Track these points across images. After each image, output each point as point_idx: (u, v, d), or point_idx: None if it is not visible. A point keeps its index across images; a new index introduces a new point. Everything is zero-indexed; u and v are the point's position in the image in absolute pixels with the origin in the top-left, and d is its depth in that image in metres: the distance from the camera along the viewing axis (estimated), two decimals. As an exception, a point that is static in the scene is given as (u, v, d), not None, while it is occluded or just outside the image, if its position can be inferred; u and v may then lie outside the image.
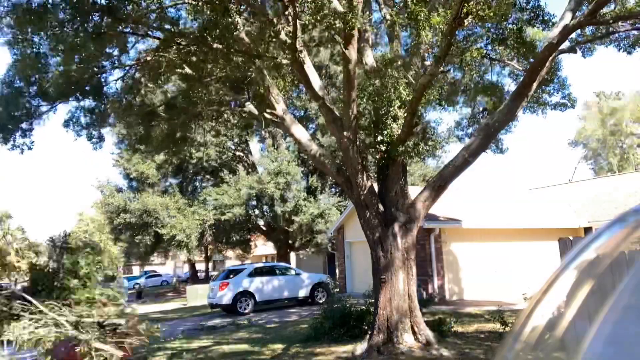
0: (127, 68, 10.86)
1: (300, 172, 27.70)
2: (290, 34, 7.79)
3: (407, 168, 10.35)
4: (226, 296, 17.34)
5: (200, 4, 8.08)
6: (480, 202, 19.85)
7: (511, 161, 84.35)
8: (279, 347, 10.13)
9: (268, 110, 10.04)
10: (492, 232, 17.20)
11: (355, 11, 7.05)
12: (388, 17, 10.48)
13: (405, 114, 8.55)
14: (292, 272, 19.35)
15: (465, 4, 6.71)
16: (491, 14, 6.75)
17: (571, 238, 9.18)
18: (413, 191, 10.59)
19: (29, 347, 5.74)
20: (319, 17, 6.84)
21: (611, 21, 9.33)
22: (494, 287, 15.72)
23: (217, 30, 8.64)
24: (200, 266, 46.93)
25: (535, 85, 9.29)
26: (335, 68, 26.21)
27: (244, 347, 10.71)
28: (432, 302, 15.65)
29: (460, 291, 16.93)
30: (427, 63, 9.53)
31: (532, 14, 10.01)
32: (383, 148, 9.12)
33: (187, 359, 9.49)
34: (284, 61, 9.64)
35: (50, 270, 7.14)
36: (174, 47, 9.29)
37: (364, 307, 10.75)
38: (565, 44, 10.02)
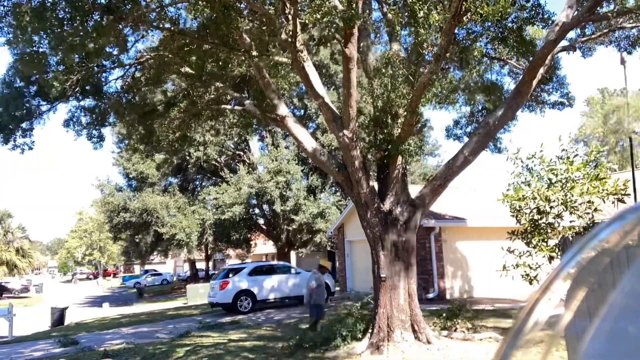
0: (127, 67, 10.87)
1: (300, 170, 27.72)
2: (291, 33, 7.79)
3: (407, 167, 10.35)
4: (226, 295, 17.35)
5: (200, 2, 8.08)
6: (479, 200, 19.84)
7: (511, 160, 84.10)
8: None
9: (268, 109, 10.04)
10: (493, 231, 17.20)
11: (355, 9, 7.05)
12: (388, 15, 10.48)
13: (405, 113, 8.55)
14: (292, 271, 19.36)
15: (464, 2, 6.71)
16: (490, 12, 6.75)
17: (572, 235, 9.20)
18: (413, 190, 10.60)
19: None
20: (318, 16, 6.83)
21: (609, 16, 9.35)
22: (494, 285, 15.73)
23: (217, 29, 8.64)
24: (201, 265, 47.00)
25: (534, 83, 9.30)
26: (335, 67, 26.21)
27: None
28: (432, 301, 15.67)
29: (460, 290, 16.94)
30: (427, 61, 9.53)
31: (532, 13, 10.01)
32: (383, 147, 9.12)
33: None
34: (284, 60, 9.64)
35: None
36: (174, 46, 9.29)
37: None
38: (565, 43, 10.02)
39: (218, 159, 31.67)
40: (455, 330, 9.56)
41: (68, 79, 9.17)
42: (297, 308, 17.50)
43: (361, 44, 9.57)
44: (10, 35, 8.26)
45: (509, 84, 12.74)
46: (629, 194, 9.72)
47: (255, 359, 9.29)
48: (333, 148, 23.65)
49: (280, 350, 9.63)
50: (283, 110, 9.80)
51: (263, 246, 40.36)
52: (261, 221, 32.24)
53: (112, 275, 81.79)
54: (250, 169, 30.26)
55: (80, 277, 76.99)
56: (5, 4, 7.97)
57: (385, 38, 12.66)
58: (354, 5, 7.06)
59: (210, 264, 45.57)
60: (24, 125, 10.21)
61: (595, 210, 9.88)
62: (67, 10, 7.57)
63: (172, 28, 9.09)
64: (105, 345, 12.29)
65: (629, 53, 10.82)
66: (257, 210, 31.21)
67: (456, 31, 8.01)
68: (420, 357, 8.08)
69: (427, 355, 8.19)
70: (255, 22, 9.45)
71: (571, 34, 10.76)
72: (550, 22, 9.87)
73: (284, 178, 26.93)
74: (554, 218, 10.15)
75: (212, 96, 11.04)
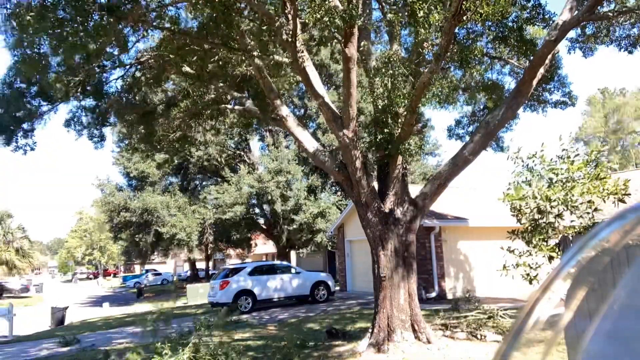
0: (127, 67, 10.87)
1: (300, 170, 27.71)
2: (291, 33, 7.79)
3: (407, 167, 10.36)
4: (227, 295, 17.36)
5: (200, 2, 8.07)
6: (480, 200, 19.85)
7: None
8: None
9: (268, 109, 10.04)
10: (493, 230, 17.20)
11: (354, 9, 7.05)
12: (388, 15, 10.48)
13: (405, 113, 8.55)
14: (293, 270, 19.36)
15: (464, 1, 6.71)
16: (490, 11, 6.75)
17: (572, 235, 9.20)
18: (413, 190, 10.60)
19: None
20: (318, 15, 6.83)
21: (610, 15, 9.35)
22: (495, 285, 15.74)
23: (217, 29, 8.64)
24: (201, 265, 47.00)
25: (535, 82, 9.30)
26: (335, 67, 26.22)
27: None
28: (432, 301, 15.68)
29: (460, 289, 16.94)
30: (427, 61, 9.54)
31: (533, 12, 10.02)
32: (383, 146, 9.12)
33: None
34: (284, 60, 9.64)
35: None
36: (174, 46, 9.29)
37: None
38: (566, 42, 10.01)
39: (219, 159, 31.68)
40: (455, 329, 9.56)
41: (69, 80, 9.18)
42: (301, 307, 17.51)
43: (361, 44, 9.57)
44: (13, 38, 8.27)
45: (510, 84, 12.74)
46: (630, 194, 9.71)
47: (261, 358, 9.31)
48: (333, 148, 23.65)
49: (284, 349, 9.65)
50: (283, 110, 9.80)
51: (263, 246, 40.36)
52: (261, 221, 32.24)
53: (112, 275, 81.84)
54: (250, 169, 30.27)
55: (80, 277, 77.01)
56: (8, 6, 7.98)
57: (385, 38, 12.66)
58: (354, 5, 7.06)
59: (211, 263, 45.58)
60: (25, 126, 10.22)
61: (596, 210, 9.88)
62: (67, 10, 7.58)
63: (172, 28, 9.09)
64: (110, 344, 12.35)
65: (630, 52, 10.81)
66: (257, 210, 31.21)
67: (456, 31, 8.01)
68: (421, 357, 8.08)
69: (427, 354, 8.19)
70: (255, 22, 9.45)
71: (571, 34, 10.77)
72: (550, 22, 9.87)
73: (284, 178, 26.93)
74: (555, 218, 10.15)
75: (213, 96, 11.04)
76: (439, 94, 8.13)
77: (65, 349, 12.27)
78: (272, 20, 8.11)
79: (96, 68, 9.99)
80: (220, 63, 10.30)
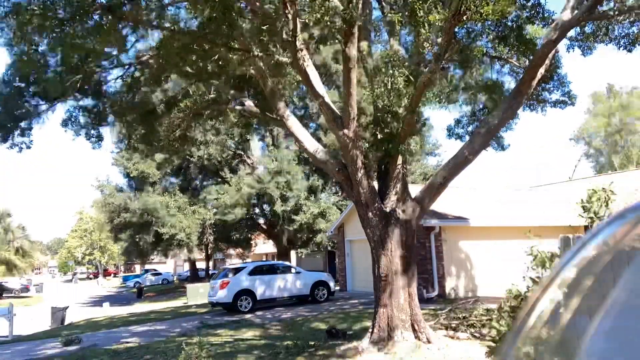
0: (126, 67, 10.86)
1: (300, 171, 27.70)
2: (291, 33, 7.78)
3: (408, 166, 10.36)
4: (227, 294, 17.36)
5: (200, 2, 8.07)
6: (480, 200, 19.85)
7: (512, 158, 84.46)
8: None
9: (269, 109, 10.04)
10: (493, 230, 17.21)
11: (354, 9, 7.05)
12: (388, 15, 10.47)
13: (406, 112, 8.55)
14: (293, 270, 19.36)
15: (464, 1, 6.70)
16: (490, 11, 6.74)
17: (572, 235, 9.17)
18: (413, 190, 10.60)
19: None
20: (318, 15, 6.82)
21: (610, 14, 9.35)
22: (496, 284, 15.73)
23: (217, 29, 8.63)
24: (201, 265, 46.99)
25: (535, 82, 9.30)
26: (336, 66, 26.20)
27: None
28: (432, 300, 15.67)
29: (461, 289, 16.95)
30: (427, 60, 9.53)
31: (532, 12, 10.01)
32: (383, 146, 9.12)
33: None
34: (285, 59, 9.63)
35: None
36: (174, 46, 9.27)
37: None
38: (565, 41, 10.00)
39: (219, 159, 31.67)
40: (455, 329, 9.57)
41: (67, 79, 9.17)
42: (304, 307, 17.50)
43: (361, 44, 9.57)
44: (10, 35, 8.25)
45: (510, 83, 12.73)
46: None
47: (264, 357, 9.32)
48: (334, 148, 23.65)
49: (287, 348, 9.66)
50: (283, 110, 9.80)
51: (263, 246, 40.37)
52: (262, 221, 32.24)
53: (112, 275, 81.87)
54: (250, 170, 30.26)
55: (80, 276, 77.00)
56: (6, 4, 7.97)
57: (385, 37, 12.65)
58: (354, 5, 7.06)
59: (211, 263, 45.58)
60: (22, 124, 10.21)
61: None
62: (67, 10, 7.57)
63: (172, 28, 9.08)
64: (116, 343, 12.39)
65: (629, 51, 10.80)
66: (257, 210, 31.22)
67: (456, 30, 8.00)
68: (421, 357, 8.08)
69: (427, 354, 8.19)
70: (255, 22, 9.44)
71: (571, 32, 10.75)
72: (550, 21, 9.86)
73: (284, 178, 26.93)
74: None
75: (213, 96, 11.03)
76: (439, 93, 8.13)
77: (72, 348, 12.30)
78: (272, 20, 8.10)
79: (95, 68, 9.98)
80: (220, 63, 10.28)
